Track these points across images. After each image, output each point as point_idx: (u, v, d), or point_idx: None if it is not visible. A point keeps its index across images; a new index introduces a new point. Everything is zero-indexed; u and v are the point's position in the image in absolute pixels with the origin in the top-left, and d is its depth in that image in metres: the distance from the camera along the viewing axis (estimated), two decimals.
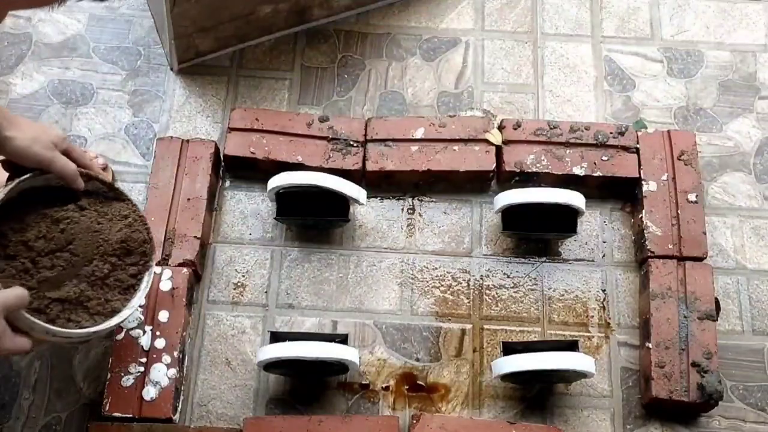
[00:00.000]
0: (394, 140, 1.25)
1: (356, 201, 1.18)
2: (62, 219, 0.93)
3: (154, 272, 1.04)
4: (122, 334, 1.09)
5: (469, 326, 1.18)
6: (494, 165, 1.24)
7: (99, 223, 0.96)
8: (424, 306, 1.20)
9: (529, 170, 1.24)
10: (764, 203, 1.28)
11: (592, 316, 1.19)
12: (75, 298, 0.91)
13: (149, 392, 1.06)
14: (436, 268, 1.22)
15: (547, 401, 1.14)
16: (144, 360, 1.08)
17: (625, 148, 1.25)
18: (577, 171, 1.23)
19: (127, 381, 1.07)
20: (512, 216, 1.19)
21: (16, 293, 0.81)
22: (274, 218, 1.20)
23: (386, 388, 1.14)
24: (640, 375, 1.15)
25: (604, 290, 1.21)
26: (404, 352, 1.16)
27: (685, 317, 1.13)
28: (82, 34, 1.39)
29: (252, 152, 1.24)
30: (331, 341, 1.07)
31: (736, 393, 1.15)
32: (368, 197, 1.21)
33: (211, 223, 1.24)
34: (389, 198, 1.27)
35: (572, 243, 1.24)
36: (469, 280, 1.21)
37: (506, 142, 1.26)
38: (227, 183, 1.28)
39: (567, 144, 1.25)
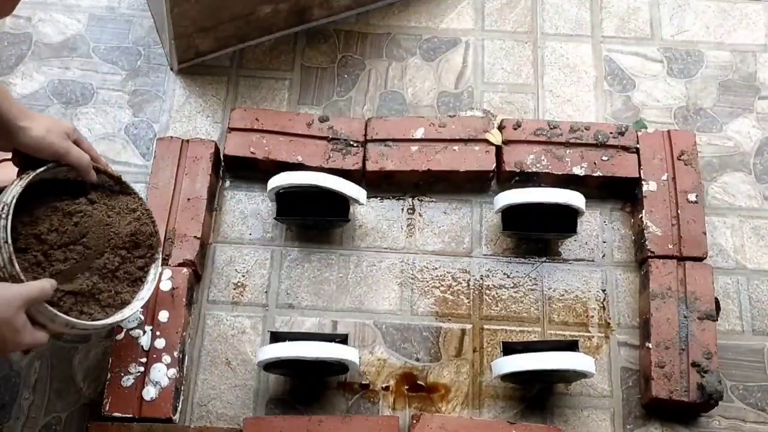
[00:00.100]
0: (394, 140, 1.25)
1: (356, 201, 1.18)
2: (75, 212, 0.94)
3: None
4: (122, 334, 1.09)
5: (469, 326, 1.18)
6: (494, 165, 1.24)
7: (109, 216, 0.97)
8: (424, 306, 1.20)
9: (529, 170, 1.24)
10: (764, 203, 1.28)
11: (592, 316, 1.19)
12: (87, 291, 0.93)
13: (149, 392, 1.06)
14: (436, 268, 1.22)
15: (547, 401, 1.14)
16: (144, 360, 1.08)
17: (625, 148, 1.25)
18: (577, 171, 1.23)
19: (127, 381, 1.07)
20: (512, 216, 1.19)
21: (41, 285, 0.82)
22: (274, 218, 1.20)
23: (386, 388, 1.14)
24: (640, 375, 1.15)
25: (604, 290, 1.21)
26: (404, 352, 1.16)
27: (685, 317, 1.13)
28: (82, 34, 1.39)
29: (252, 152, 1.24)
30: (331, 341, 1.07)
31: (736, 393, 1.15)
32: (368, 197, 1.21)
33: (211, 223, 1.24)
34: (389, 198, 1.27)
35: (572, 243, 1.24)
36: (469, 280, 1.21)
37: (506, 142, 1.26)
38: (227, 183, 1.28)
39: (567, 144, 1.25)
